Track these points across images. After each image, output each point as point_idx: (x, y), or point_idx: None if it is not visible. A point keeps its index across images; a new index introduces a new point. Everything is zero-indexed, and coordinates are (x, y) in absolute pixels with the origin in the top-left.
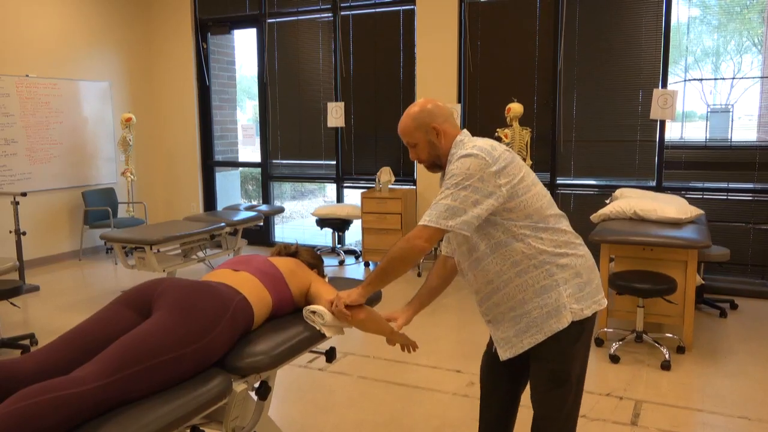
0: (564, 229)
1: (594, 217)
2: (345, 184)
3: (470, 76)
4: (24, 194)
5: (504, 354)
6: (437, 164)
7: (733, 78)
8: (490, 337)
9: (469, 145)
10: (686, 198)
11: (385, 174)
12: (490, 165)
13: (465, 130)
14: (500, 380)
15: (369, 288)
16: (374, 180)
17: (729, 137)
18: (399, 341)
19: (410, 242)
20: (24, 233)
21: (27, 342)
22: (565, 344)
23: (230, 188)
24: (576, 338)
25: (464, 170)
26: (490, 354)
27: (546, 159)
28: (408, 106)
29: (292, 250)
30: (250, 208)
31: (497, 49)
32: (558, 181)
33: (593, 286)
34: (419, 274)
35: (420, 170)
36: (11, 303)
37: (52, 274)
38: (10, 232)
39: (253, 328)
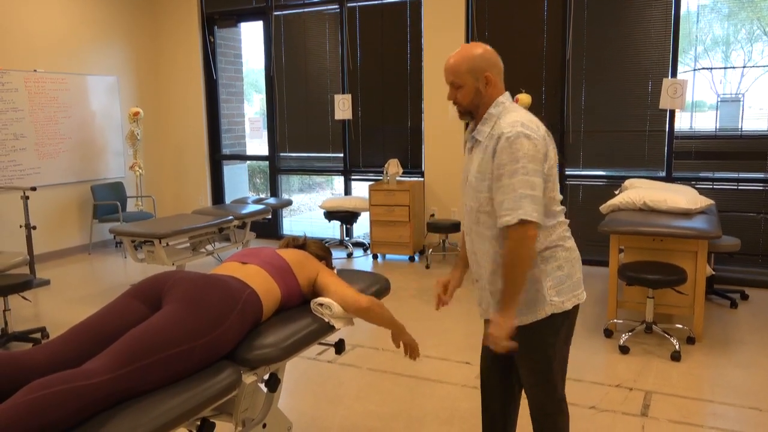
0: (563, 221)
1: (603, 207)
2: (353, 177)
3: None
4: (34, 189)
5: (485, 314)
6: (472, 113)
7: (744, 67)
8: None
9: (514, 116)
10: (696, 188)
11: (393, 166)
12: (541, 149)
13: (507, 93)
14: (497, 368)
15: (512, 307)
16: (382, 172)
17: (739, 127)
18: (405, 340)
19: (525, 242)
20: (34, 227)
21: (38, 335)
22: (545, 335)
23: (238, 181)
24: (555, 330)
25: (524, 152)
26: (485, 327)
27: None
28: (415, 97)
29: (300, 243)
30: (258, 201)
31: (505, 40)
32: (567, 172)
33: (574, 279)
34: (428, 267)
35: (428, 162)
36: (22, 297)
37: (62, 268)
38: (21, 226)
39: (262, 320)
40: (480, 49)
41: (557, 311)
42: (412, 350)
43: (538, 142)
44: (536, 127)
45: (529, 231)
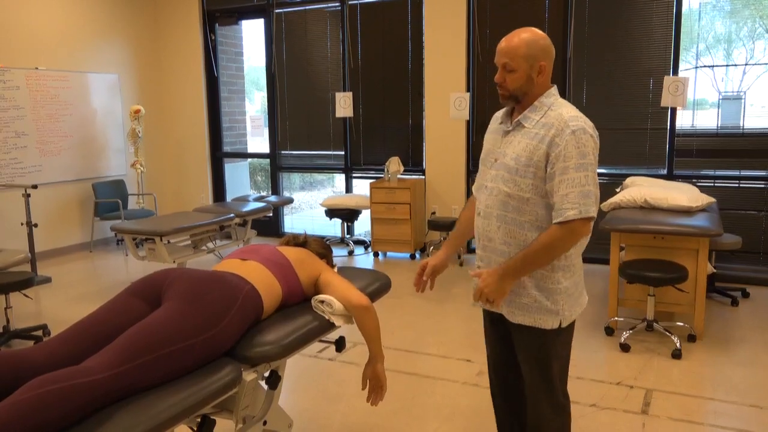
0: None
1: (604, 205)
2: (354, 175)
3: (479, 65)
4: (35, 186)
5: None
6: (518, 99)
7: (746, 65)
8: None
9: (572, 111)
10: (698, 186)
11: (394, 164)
12: (598, 150)
13: (555, 86)
14: (509, 365)
15: (519, 277)
16: (383, 170)
17: (741, 124)
18: (378, 370)
19: (575, 234)
20: (35, 225)
21: (39, 333)
22: (548, 339)
23: (239, 179)
24: (559, 334)
25: (590, 149)
26: (486, 324)
27: None
28: (417, 95)
29: (300, 240)
30: (259, 199)
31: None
32: None
33: (579, 288)
34: None
35: (429, 160)
36: (24, 294)
37: (63, 266)
38: (22, 224)
39: (263, 317)
40: (538, 36)
41: (565, 324)
42: (377, 389)
43: (597, 143)
44: (593, 127)
45: (586, 228)
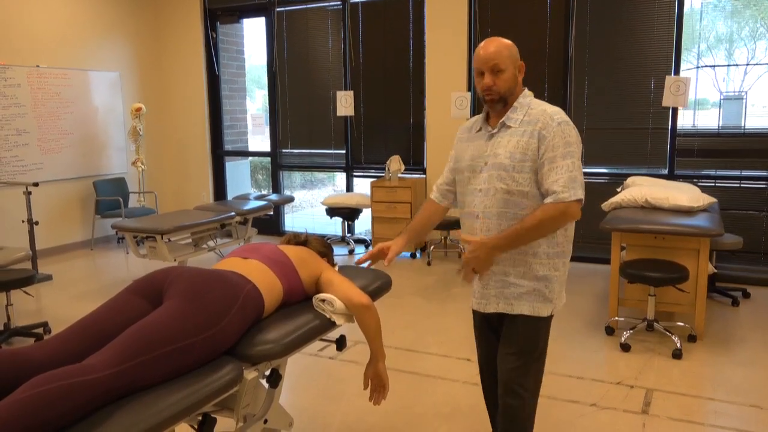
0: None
1: (605, 205)
2: (354, 173)
3: None
4: (36, 184)
5: (477, 306)
6: (505, 100)
7: (747, 65)
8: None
9: (551, 107)
10: (699, 186)
11: (395, 163)
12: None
13: (526, 88)
14: (495, 347)
15: (509, 248)
16: (384, 169)
17: (742, 125)
18: (380, 370)
19: (566, 215)
20: (36, 223)
21: (40, 330)
22: (541, 327)
23: (240, 178)
24: (547, 325)
25: (574, 139)
26: (477, 322)
27: None
28: (418, 93)
29: (301, 239)
30: (260, 198)
31: (508, 37)
32: None
33: (565, 278)
34: (429, 263)
35: (430, 158)
36: (25, 292)
37: (64, 264)
38: (23, 221)
39: (264, 316)
40: (507, 41)
41: (555, 311)
42: (379, 388)
43: (578, 135)
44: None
45: (576, 210)
